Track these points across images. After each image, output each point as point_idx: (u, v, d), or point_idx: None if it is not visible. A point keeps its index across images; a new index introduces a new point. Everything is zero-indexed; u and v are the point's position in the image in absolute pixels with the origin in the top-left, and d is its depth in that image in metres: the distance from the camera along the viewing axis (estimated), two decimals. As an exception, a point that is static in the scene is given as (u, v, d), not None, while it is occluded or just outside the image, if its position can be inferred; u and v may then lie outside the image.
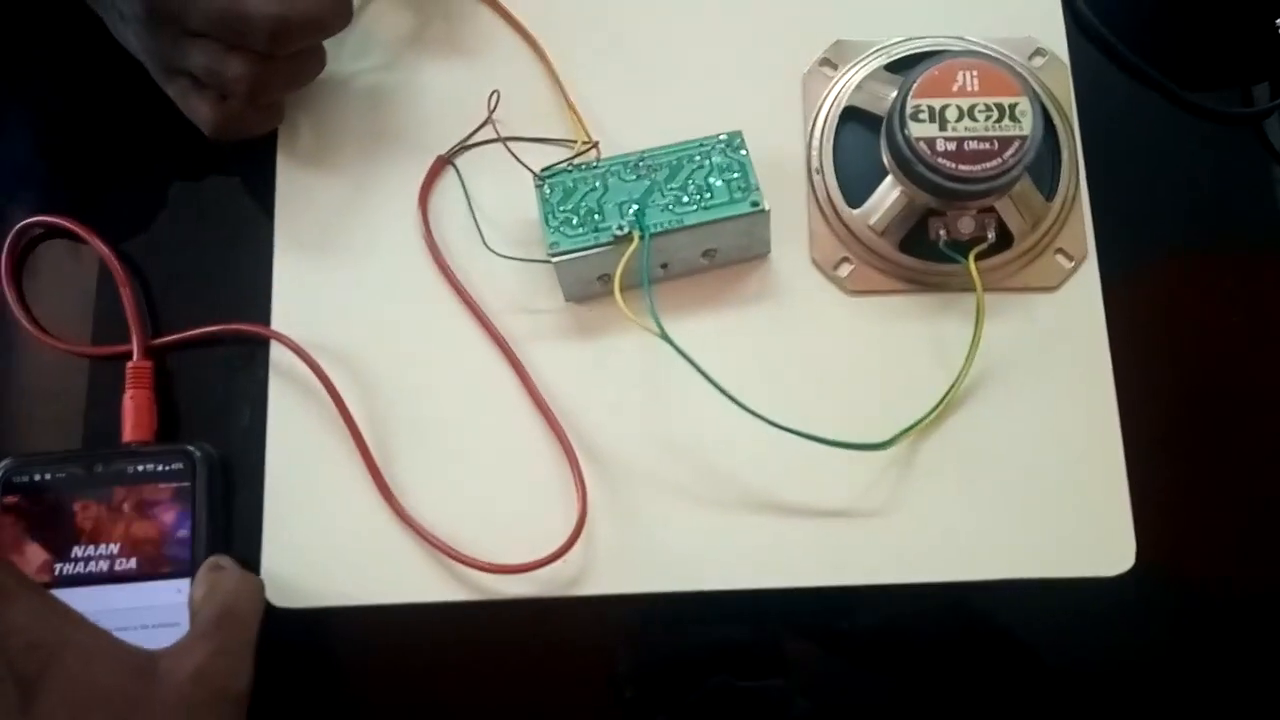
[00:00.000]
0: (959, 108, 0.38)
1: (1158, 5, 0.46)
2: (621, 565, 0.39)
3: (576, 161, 0.40)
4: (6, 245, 0.42)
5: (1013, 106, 0.38)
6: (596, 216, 0.39)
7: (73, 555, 0.38)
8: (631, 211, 0.39)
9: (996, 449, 0.40)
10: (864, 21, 0.44)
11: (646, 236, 0.38)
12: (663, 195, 0.39)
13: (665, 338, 0.38)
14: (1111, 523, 0.40)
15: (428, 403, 0.41)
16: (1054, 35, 0.44)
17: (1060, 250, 0.42)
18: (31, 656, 0.30)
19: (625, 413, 0.40)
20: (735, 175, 0.39)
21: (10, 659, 0.29)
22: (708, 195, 0.39)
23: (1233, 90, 0.45)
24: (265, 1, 0.36)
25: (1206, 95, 0.45)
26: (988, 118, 0.38)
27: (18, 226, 0.42)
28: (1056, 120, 0.42)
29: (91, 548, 0.38)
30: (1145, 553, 0.39)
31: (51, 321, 0.42)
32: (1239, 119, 0.45)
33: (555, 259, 0.39)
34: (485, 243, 0.41)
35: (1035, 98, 0.39)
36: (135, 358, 0.41)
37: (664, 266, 0.41)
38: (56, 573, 0.38)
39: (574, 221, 0.39)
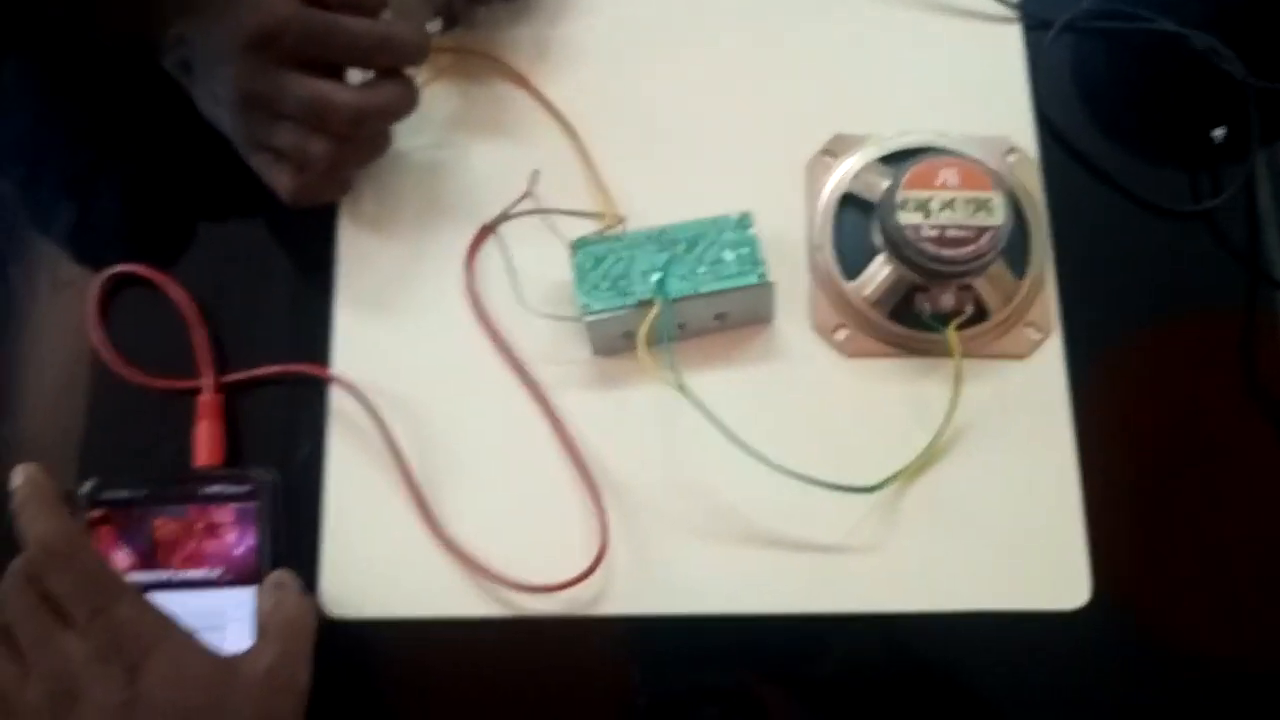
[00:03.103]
0: (941, 199, 0.44)
1: (1114, 113, 0.52)
2: (635, 589, 0.44)
3: (606, 233, 0.46)
4: (95, 291, 0.47)
5: (987, 200, 0.44)
6: (623, 282, 0.44)
7: (152, 564, 0.43)
8: (654, 279, 0.44)
9: (970, 496, 0.46)
10: (861, 117, 0.50)
11: (668, 301, 0.44)
12: (682, 265, 0.45)
13: (682, 389, 0.43)
14: (1069, 562, 0.45)
15: (468, 440, 0.46)
16: (1025, 135, 0.50)
17: (1030, 323, 0.48)
18: (136, 645, 0.35)
19: (642, 453, 0.46)
20: (745, 250, 0.45)
21: (120, 645, 0.35)
22: (721, 267, 0.45)
23: (1180, 186, 0.51)
24: (348, 93, 0.42)
25: (1157, 190, 0.51)
26: (966, 209, 0.44)
27: (105, 274, 0.47)
28: (1026, 210, 0.48)
29: (167, 558, 0.43)
30: (1100, 589, 0.44)
31: (134, 357, 0.47)
32: (1183, 214, 0.51)
33: (587, 318, 0.44)
34: (522, 301, 0.47)
35: (1007, 192, 0.45)
36: (206, 392, 0.46)
37: (681, 326, 0.46)
38: (137, 581, 0.43)
39: (603, 286, 0.44)
